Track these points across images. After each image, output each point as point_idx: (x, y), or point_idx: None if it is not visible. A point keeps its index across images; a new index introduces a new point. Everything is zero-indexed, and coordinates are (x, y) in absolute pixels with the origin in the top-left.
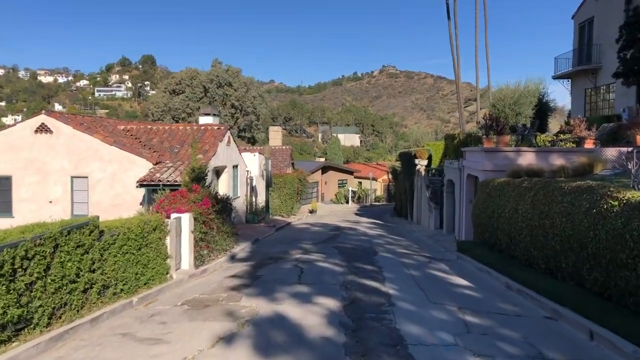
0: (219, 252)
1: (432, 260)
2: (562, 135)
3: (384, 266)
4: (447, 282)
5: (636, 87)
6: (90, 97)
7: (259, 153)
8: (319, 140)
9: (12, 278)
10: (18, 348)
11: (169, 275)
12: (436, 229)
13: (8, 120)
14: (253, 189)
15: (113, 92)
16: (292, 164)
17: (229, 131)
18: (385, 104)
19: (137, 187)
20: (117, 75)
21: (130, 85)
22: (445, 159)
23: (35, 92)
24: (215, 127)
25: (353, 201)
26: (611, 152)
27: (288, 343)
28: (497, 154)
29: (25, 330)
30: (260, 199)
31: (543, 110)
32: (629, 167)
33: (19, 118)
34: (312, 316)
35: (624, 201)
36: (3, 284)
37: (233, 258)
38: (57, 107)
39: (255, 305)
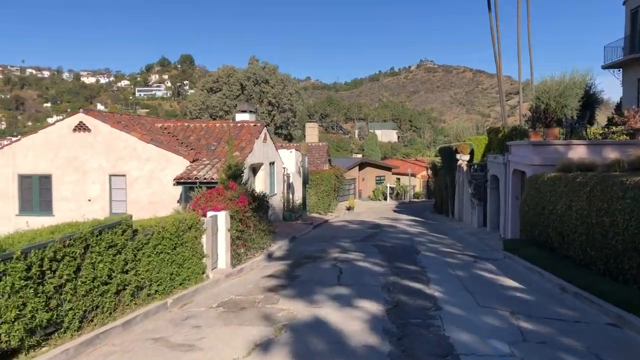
0: (255, 250)
1: (478, 260)
2: (613, 128)
3: (427, 266)
4: (496, 284)
5: None
6: (131, 97)
7: (296, 150)
8: (356, 136)
9: (40, 280)
10: (46, 354)
11: (205, 274)
12: (479, 226)
13: (53, 120)
14: (290, 186)
15: (153, 92)
16: (329, 160)
17: (265, 128)
18: (423, 99)
19: (174, 185)
20: (157, 75)
21: (169, 84)
22: (488, 153)
23: (79, 93)
24: (252, 124)
25: (391, 198)
26: None
27: (328, 352)
28: (545, 147)
29: (56, 334)
30: (297, 196)
31: (590, 102)
32: None
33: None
34: (353, 321)
35: None
36: (31, 287)
37: (270, 257)
38: (99, 107)
39: (293, 308)
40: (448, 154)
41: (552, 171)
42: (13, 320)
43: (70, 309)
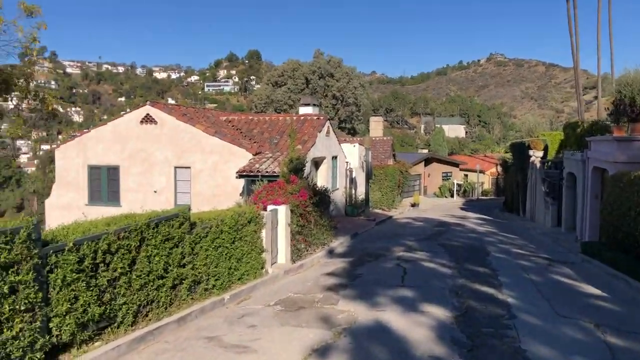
0: (316, 246)
1: (553, 263)
2: None
3: (498, 269)
4: (575, 291)
5: None
6: (200, 92)
7: (359, 144)
8: (422, 131)
9: (93, 274)
10: (98, 350)
11: (264, 270)
12: (553, 226)
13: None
14: (352, 181)
15: (221, 87)
16: (394, 155)
17: (328, 121)
18: (493, 93)
19: (236, 177)
20: (225, 71)
21: (236, 80)
22: (563, 149)
23: (151, 88)
24: (315, 117)
25: (458, 195)
26: None
27: None
28: (631, 143)
29: (109, 329)
30: (360, 191)
31: None
32: None
33: None
34: (419, 328)
35: None
36: (83, 280)
37: (331, 253)
38: (170, 101)
39: (354, 311)
40: (520, 150)
41: (638, 169)
42: (64, 313)
43: (124, 303)
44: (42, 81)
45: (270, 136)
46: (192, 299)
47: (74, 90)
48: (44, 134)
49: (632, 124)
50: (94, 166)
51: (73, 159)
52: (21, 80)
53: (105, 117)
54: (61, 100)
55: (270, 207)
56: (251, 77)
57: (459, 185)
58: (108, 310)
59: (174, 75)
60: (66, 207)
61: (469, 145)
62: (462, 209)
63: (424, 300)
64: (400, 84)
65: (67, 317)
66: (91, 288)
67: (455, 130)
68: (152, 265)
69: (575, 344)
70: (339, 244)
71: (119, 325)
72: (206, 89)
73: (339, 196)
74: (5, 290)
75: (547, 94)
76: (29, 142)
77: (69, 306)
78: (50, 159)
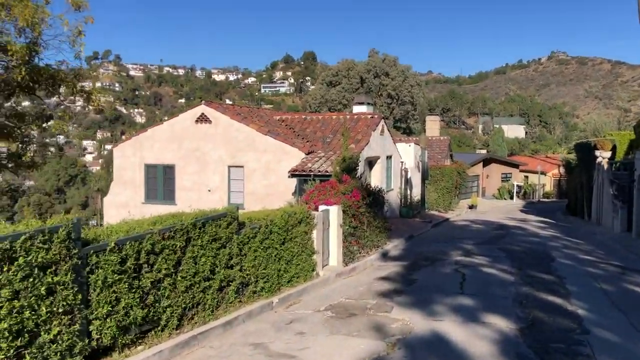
0: (369, 248)
1: (627, 272)
2: None
3: (565, 276)
4: None
5: None
6: (256, 94)
7: (415, 143)
8: (480, 132)
9: (136, 275)
10: (138, 355)
11: (315, 272)
12: (622, 231)
13: None
14: (408, 182)
15: (277, 88)
16: (451, 155)
17: (383, 120)
18: (554, 92)
19: (288, 177)
20: (281, 72)
21: (292, 81)
22: (634, 150)
23: (210, 90)
24: (369, 116)
25: (518, 197)
26: None
27: None
28: None
29: (152, 332)
30: (416, 192)
31: None
32: None
33: None
34: (480, 341)
35: None
36: (125, 282)
37: (385, 256)
38: (228, 103)
39: (409, 319)
40: (585, 151)
41: None
42: (105, 316)
43: (169, 305)
44: (107, 83)
45: (323, 135)
46: (239, 301)
47: (137, 93)
48: (109, 134)
49: None
50: (151, 165)
51: (130, 157)
52: (70, 77)
53: (166, 118)
54: (124, 102)
55: (321, 208)
56: (306, 78)
57: (518, 186)
58: (151, 313)
59: (231, 77)
60: (124, 205)
61: (529, 145)
62: (522, 211)
63: (485, 310)
64: (457, 83)
65: (108, 319)
66: (134, 290)
67: (514, 131)
68: (198, 267)
69: None
70: (394, 246)
71: (163, 329)
72: (262, 90)
73: (393, 197)
74: (43, 292)
75: (613, 92)
76: (94, 142)
77: (110, 308)
78: (112, 158)
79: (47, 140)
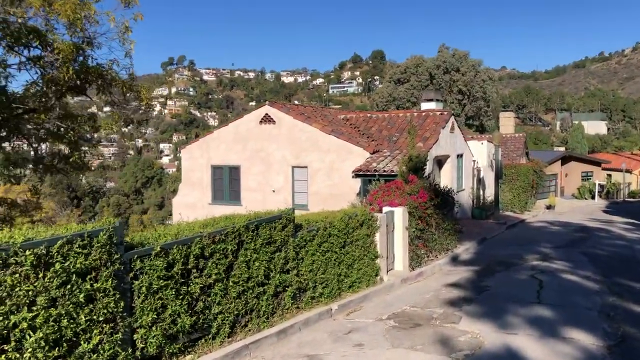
0: (437, 252)
1: None
2: None
3: None
4: None
5: None
6: (325, 94)
7: (488, 141)
8: (557, 128)
9: (183, 280)
10: None
11: (378, 277)
12: None
13: None
14: (480, 181)
15: (345, 89)
16: (527, 153)
17: (453, 117)
18: (639, 86)
19: (352, 177)
20: (349, 72)
21: (360, 80)
22: None
23: (279, 92)
24: (438, 113)
25: (600, 196)
26: None
27: None
28: None
29: (202, 340)
30: (489, 192)
31: None
32: None
33: None
34: None
35: None
36: (172, 288)
37: (455, 260)
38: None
39: (479, 332)
40: None
41: None
42: (150, 324)
43: (220, 312)
44: (182, 88)
45: (389, 134)
46: (297, 307)
47: (210, 96)
48: (184, 137)
49: None
50: (217, 166)
51: (198, 159)
52: (123, 78)
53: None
54: (198, 106)
55: (385, 209)
56: (375, 77)
57: (601, 185)
58: (201, 321)
59: (300, 79)
60: (191, 206)
61: (612, 142)
62: (605, 212)
63: (566, 323)
64: (533, 78)
65: (154, 328)
66: (181, 296)
67: (595, 127)
68: (251, 271)
69: None
70: (464, 250)
71: (215, 337)
72: (330, 90)
73: (464, 197)
74: (82, 299)
75: None
76: (170, 144)
77: (156, 316)
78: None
79: (126, 142)
